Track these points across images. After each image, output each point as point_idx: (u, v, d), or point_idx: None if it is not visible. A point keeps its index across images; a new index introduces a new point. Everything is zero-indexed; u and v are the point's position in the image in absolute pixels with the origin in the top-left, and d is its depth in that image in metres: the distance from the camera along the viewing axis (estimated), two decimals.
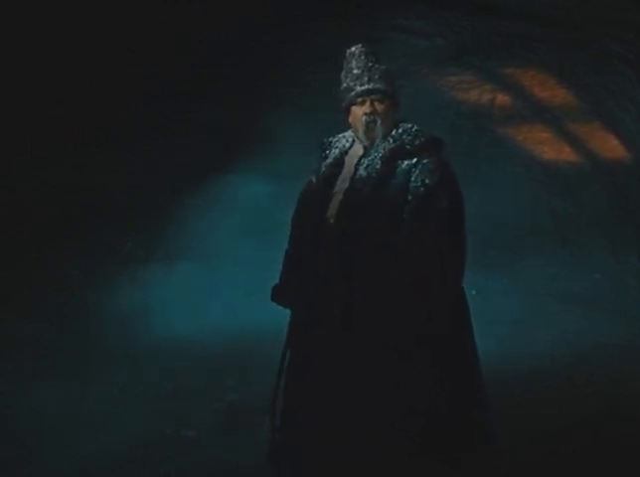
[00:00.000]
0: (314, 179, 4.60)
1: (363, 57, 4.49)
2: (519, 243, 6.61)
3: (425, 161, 4.39)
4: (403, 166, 4.38)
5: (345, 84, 4.48)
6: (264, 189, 6.87)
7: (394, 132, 4.45)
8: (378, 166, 4.39)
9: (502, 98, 7.47)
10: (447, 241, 4.28)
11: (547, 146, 7.22)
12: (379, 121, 4.43)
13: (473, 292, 5.81)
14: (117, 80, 7.25)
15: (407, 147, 4.40)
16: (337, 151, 4.55)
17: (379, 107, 4.44)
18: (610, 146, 7.17)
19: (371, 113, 4.43)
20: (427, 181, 4.34)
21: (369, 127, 4.44)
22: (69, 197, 6.84)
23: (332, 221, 4.39)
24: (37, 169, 6.90)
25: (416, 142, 4.41)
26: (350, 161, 4.50)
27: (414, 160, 4.38)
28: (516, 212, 6.79)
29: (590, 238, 6.70)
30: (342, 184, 4.43)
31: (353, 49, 4.53)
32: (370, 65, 4.47)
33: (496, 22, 7.62)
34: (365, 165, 4.43)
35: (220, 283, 6.34)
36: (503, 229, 6.61)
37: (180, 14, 7.48)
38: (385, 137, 4.42)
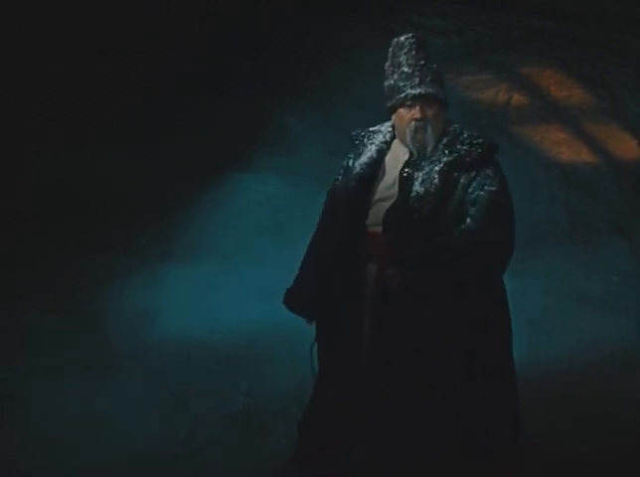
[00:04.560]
0: (341, 177, 4.29)
1: (414, 52, 4.14)
2: (536, 244, 6.43)
3: (485, 171, 4.10)
4: (462, 180, 4.10)
5: (392, 82, 4.17)
6: (279, 186, 6.77)
7: (445, 140, 4.16)
8: (436, 181, 4.09)
9: (518, 98, 7.36)
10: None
11: (564, 146, 7.09)
12: (429, 128, 4.13)
13: None
14: (133, 77, 7.23)
15: (467, 160, 4.11)
16: (373, 148, 4.24)
17: (429, 112, 4.12)
18: (629, 147, 7.06)
19: (421, 119, 4.12)
20: (487, 187, 4.07)
21: (418, 134, 4.13)
22: (81, 194, 6.81)
23: (376, 230, 4.10)
24: (50, 166, 6.91)
25: (476, 153, 4.12)
26: (392, 164, 4.21)
27: (474, 173, 4.10)
28: (533, 212, 6.60)
29: (609, 240, 6.56)
30: (386, 191, 4.15)
31: (402, 39, 4.18)
32: (422, 63, 4.14)
33: (513, 18, 7.54)
34: (420, 180, 4.11)
35: (234, 282, 6.22)
36: (519, 229, 6.43)
37: (192, 5, 7.43)
38: (436, 145, 4.13)
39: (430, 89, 4.10)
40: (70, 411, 5.28)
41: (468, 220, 4.06)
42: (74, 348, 5.78)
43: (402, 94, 4.12)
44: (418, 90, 4.09)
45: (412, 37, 4.17)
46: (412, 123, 4.12)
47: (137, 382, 5.49)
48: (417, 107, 4.11)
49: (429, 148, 4.12)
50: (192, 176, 6.95)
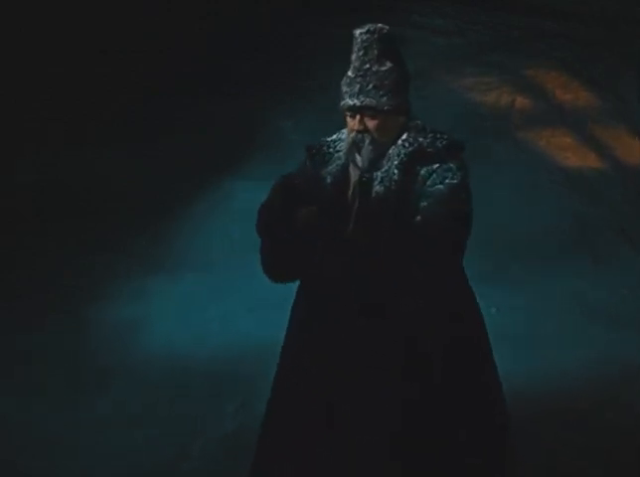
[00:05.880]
0: (298, 181, 3.97)
1: (362, 52, 3.78)
2: (540, 256, 6.28)
3: (448, 164, 3.77)
4: (422, 172, 3.78)
5: (342, 82, 3.87)
6: None
7: (405, 135, 3.83)
8: (395, 177, 3.79)
9: (522, 101, 7.22)
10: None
11: (570, 152, 6.93)
12: (367, 141, 3.81)
13: (493, 310, 5.57)
14: (133, 77, 7.21)
15: (429, 150, 3.79)
16: (341, 155, 3.93)
17: (370, 124, 3.80)
18: (638, 152, 6.90)
19: (360, 131, 3.81)
20: (448, 181, 3.75)
21: (354, 146, 3.83)
22: (81, 194, 6.80)
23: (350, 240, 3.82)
24: (50, 166, 6.90)
25: (438, 144, 3.81)
26: (353, 173, 3.91)
27: (436, 166, 3.77)
28: (537, 222, 6.49)
29: (618, 251, 6.38)
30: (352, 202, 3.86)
31: (357, 33, 3.81)
32: (366, 67, 3.79)
33: (517, 19, 7.40)
34: (379, 179, 3.81)
35: (221, 297, 6.07)
36: (523, 240, 6.33)
37: (192, 5, 7.41)
38: (394, 142, 3.81)
39: (369, 100, 3.78)
40: (42, 434, 5.09)
41: (419, 216, 3.75)
42: (49, 365, 5.64)
43: (342, 103, 3.86)
44: (354, 101, 3.80)
45: (367, 32, 3.81)
46: (352, 135, 3.86)
47: (117, 404, 5.30)
48: (357, 118, 3.83)
49: (364, 163, 3.84)
50: (192, 176, 6.91)
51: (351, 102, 3.81)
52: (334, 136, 4.03)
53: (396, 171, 3.80)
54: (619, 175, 6.84)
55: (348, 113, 3.86)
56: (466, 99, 7.22)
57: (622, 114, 7.06)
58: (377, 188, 3.82)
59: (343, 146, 3.95)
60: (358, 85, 3.81)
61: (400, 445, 3.80)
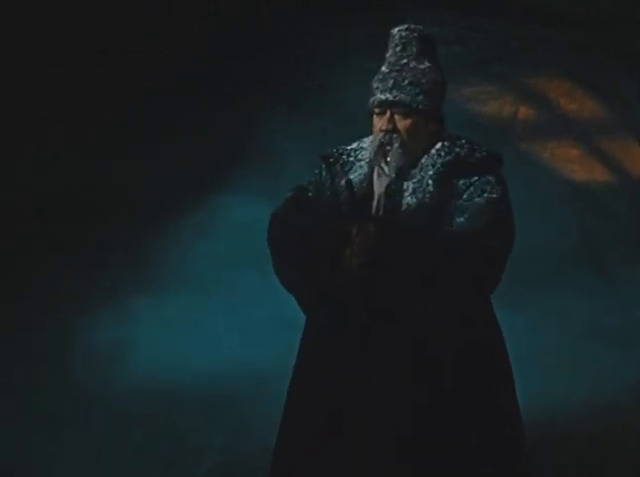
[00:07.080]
0: (312, 194, 3.76)
1: (399, 48, 3.62)
2: (548, 276, 6.23)
3: (487, 177, 3.59)
4: (460, 184, 3.58)
5: (373, 80, 3.71)
6: (264, 211, 6.62)
7: (439, 145, 3.65)
8: (430, 188, 3.56)
9: (525, 111, 7.05)
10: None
11: (576, 164, 6.79)
12: (396, 144, 3.59)
13: None
14: (133, 77, 7.20)
15: (468, 160, 3.59)
16: (363, 164, 3.70)
17: (401, 124, 3.59)
18: None
19: (387, 131, 3.59)
20: (487, 194, 3.57)
21: (380, 149, 3.62)
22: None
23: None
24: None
25: (477, 155, 3.65)
26: (378, 184, 3.70)
27: (474, 178, 3.57)
28: (544, 239, 6.37)
29: (629, 271, 6.31)
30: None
31: (395, 31, 3.68)
32: (403, 62, 3.60)
33: (517, 25, 7.27)
34: (411, 190, 3.59)
35: (211, 319, 6.07)
36: (530, 259, 6.12)
37: (192, 5, 7.39)
38: (428, 151, 3.61)
39: (402, 96, 3.57)
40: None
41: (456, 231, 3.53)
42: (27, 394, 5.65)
43: (372, 99, 3.66)
44: (386, 96, 3.58)
45: (407, 29, 3.69)
46: (379, 136, 3.64)
47: (98, 437, 5.30)
48: (387, 116, 3.62)
49: (392, 168, 3.62)
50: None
51: (382, 97, 3.61)
52: (354, 145, 3.84)
53: (430, 182, 3.58)
54: (627, 187, 6.71)
55: (377, 110, 3.67)
56: (467, 109, 7.09)
57: (628, 123, 6.89)
58: (408, 199, 3.61)
59: (365, 155, 3.76)
60: (392, 80, 3.61)
61: (410, 450, 3.67)
